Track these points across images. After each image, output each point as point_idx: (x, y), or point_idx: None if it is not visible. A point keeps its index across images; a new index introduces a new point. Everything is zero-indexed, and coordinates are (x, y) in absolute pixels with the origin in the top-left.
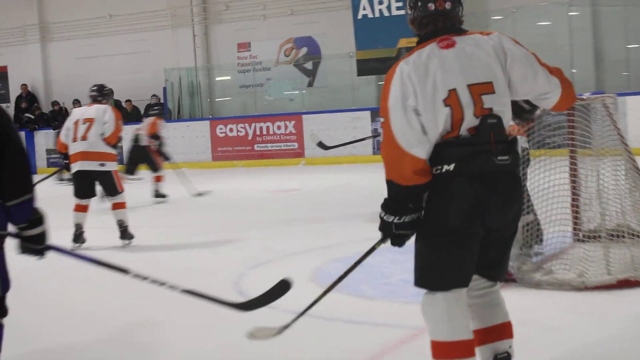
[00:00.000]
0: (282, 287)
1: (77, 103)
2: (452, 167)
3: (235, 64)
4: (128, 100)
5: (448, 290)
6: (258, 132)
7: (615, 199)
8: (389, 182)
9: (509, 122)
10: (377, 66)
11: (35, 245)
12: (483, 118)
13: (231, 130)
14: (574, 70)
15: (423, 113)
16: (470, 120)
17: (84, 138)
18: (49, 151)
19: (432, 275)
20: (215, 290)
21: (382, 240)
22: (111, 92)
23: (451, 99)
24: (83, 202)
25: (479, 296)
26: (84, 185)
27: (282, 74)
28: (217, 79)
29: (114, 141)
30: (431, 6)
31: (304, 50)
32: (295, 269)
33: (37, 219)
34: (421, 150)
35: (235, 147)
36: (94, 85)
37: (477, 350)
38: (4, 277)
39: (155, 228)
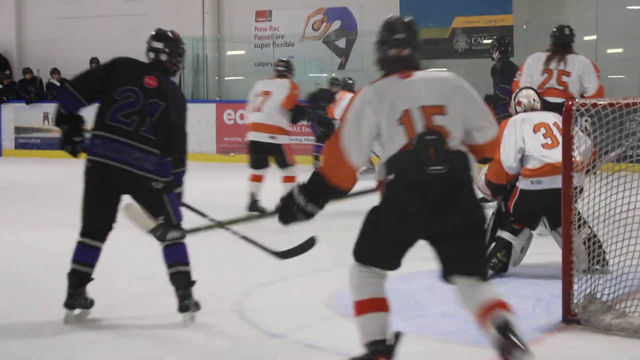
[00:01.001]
0: (310, 243)
1: (56, 73)
2: (392, 176)
3: (252, 37)
4: None
5: (366, 266)
6: None
7: None
8: (319, 173)
9: (456, 141)
10: (425, 48)
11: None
12: (420, 135)
13: (242, 117)
14: None
15: (383, 132)
16: (414, 136)
17: (259, 109)
18: (18, 129)
19: (358, 249)
20: (214, 312)
21: (274, 212)
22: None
23: (405, 118)
24: (257, 172)
25: (466, 293)
26: (257, 156)
27: (308, 51)
28: (229, 53)
29: (289, 105)
30: (392, 52)
31: (337, 24)
32: (309, 293)
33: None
34: (357, 159)
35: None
36: (281, 60)
37: (484, 333)
38: (177, 210)
39: None
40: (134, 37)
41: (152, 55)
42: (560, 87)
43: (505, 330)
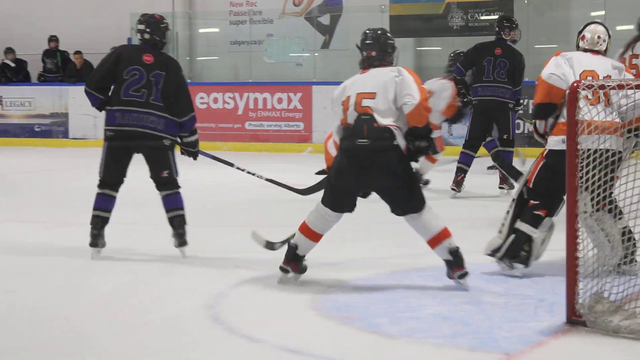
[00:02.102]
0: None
1: (10, 53)
2: (339, 143)
3: (227, 13)
4: (78, 53)
5: (324, 207)
6: (252, 106)
7: None
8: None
9: (387, 120)
10: (416, 25)
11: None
12: (359, 115)
13: (215, 100)
14: None
15: (336, 110)
16: (352, 115)
17: None
18: None
19: (323, 194)
20: (185, 315)
21: None
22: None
23: (345, 101)
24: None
25: (412, 226)
26: None
27: (288, 29)
28: (201, 30)
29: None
30: (364, 54)
31: None
32: (290, 294)
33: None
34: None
35: (219, 123)
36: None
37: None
38: (176, 166)
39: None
40: (96, 14)
41: (139, 36)
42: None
43: (448, 257)
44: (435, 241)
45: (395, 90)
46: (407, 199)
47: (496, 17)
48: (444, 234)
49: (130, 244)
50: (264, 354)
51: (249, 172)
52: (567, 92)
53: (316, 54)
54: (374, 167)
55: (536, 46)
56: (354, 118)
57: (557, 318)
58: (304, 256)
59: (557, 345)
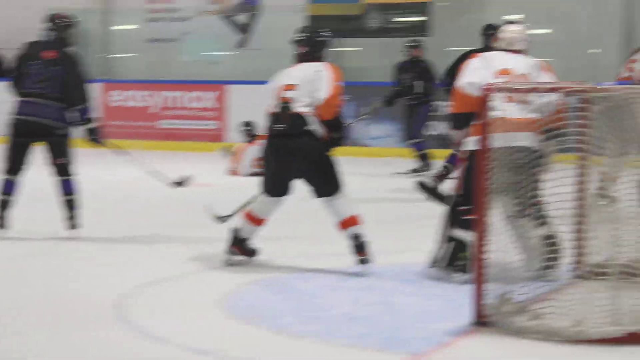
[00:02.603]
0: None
1: None
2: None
3: (144, 10)
4: None
5: (263, 191)
6: (167, 104)
7: (633, 223)
8: None
9: (304, 109)
10: (334, 26)
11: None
12: (280, 104)
13: (130, 98)
14: (597, 50)
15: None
16: (276, 104)
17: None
18: None
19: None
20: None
21: None
22: None
23: (274, 92)
24: None
25: (328, 209)
26: None
27: (205, 27)
28: (116, 27)
29: None
30: (296, 50)
31: None
32: (198, 293)
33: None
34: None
35: (134, 121)
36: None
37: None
38: (71, 154)
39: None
40: (15, 10)
41: (45, 34)
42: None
43: (353, 243)
44: (344, 224)
45: (314, 84)
46: (322, 182)
47: (414, 18)
48: (353, 220)
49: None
50: (169, 354)
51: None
52: (478, 96)
53: (233, 53)
54: (291, 151)
55: (452, 48)
56: (276, 107)
57: (464, 319)
58: (248, 239)
59: (464, 346)
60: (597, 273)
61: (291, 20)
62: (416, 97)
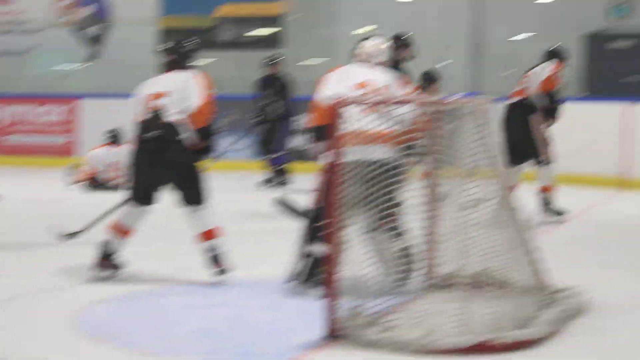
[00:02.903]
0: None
1: None
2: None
3: None
4: None
5: (131, 201)
6: (15, 119)
7: (481, 236)
8: None
9: (175, 117)
10: (187, 38)
11: None
12: (150, 112)
13: None
14: (444, 64)
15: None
16: (145, 112)
17: None
18: None
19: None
20: None
21: None
22: None
23: (141, 99)
24: None
25: (189, 218)
26: None
27: (55, 39)
28: None
29: None
30: (164, 58)
31: (90, 9)
32: (49, 310)
33: None
34: None
35: None
36: None
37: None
38: None
39: None
40: None
41: None
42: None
43: (213, 254)
44: (205, 236)
45: (185, 92)
46: (187, 191)
47: (266, 31)
48: (213, 233)
49: None
50: None
51: None
52: (332, 108)
53: (85, 66)
54: (160, 159)
55: (304, 62)
56: (146, 115)
57: (317, 332)
58: (116, 252)
59: (316, 359)
60: (447, 284)
61: (143, 33)
62: (276, 114)
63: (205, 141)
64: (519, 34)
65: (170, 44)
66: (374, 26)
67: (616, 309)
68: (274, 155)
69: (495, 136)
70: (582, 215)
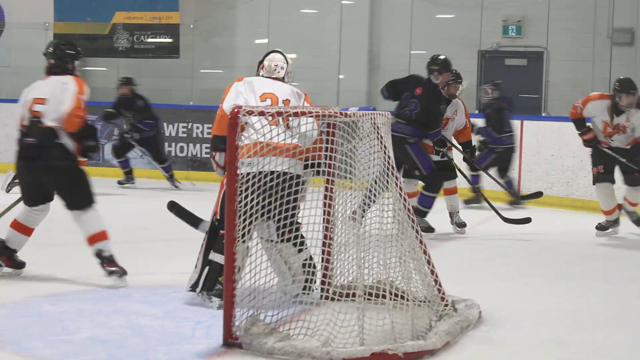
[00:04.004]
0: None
1: None
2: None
3: None
4: None
5: (24, 203)
6: None
7: (378, 247)
8: None
9: (54, 122)
10: (81, 45)
11: None
12: (30, 117)
13: None
14: (341, 76)
15: None
16: (26, 118)
17: None
18: None
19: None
20: None
21: None
22: None
23: (26, 105)
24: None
25: (77, 223)
26: None
27: None
28: None
29: None
30: (46, 62)
31: None
32: None
33: None
34: None
35: None
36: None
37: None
38: None
39: None
40: None
41: None
42: None
43: (102, 256)
44: (91, 240)
45: (60, 97)
46: (71, 195)
47: (162, 39)
48: (100, 236)
49: None
50: None
51: None
52: (228, 117)
53: None
54: (39, 165)
55: (202, 71)
56: (27, 120)
57: (214, 340)
58: (16, 251)
59: None
60: (345, 294)
61: (37, 38)
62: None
63: (85, 141)
64: (416, 48)
65: (50, 48)
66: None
67: (508, 321)
68: (123, 159)
69: (392, 149)
70: (476, 228)
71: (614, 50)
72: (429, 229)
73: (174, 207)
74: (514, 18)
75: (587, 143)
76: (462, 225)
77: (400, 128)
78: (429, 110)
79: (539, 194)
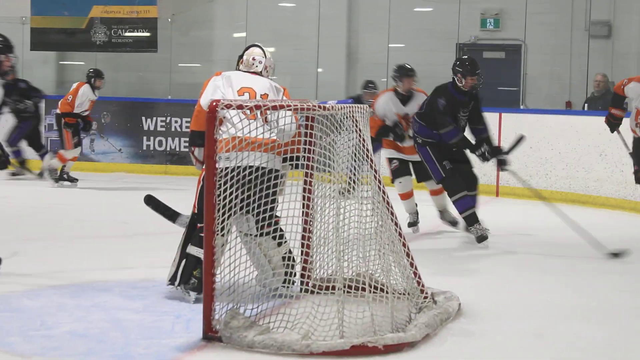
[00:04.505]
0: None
1: None
2: None
3: None
4: None
5: None
6: None
7: (357, 240)
8: None
9: None
10: (59, 39)
11: None
12: None
13: None
14: (320, 70)
15: None
16: None
17: None
18: None
19: None
20: None
21: None
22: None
23: None
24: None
25: None
26: None
27: None
28: None
29: None
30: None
31: None
32: None
33: None
34: None
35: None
36: None
37: None
38: None
39: None
40: None
41: None
42: None
43: None
44: None
45: None
46: None
47: (140, 33)
48: None
49: None
50: None
51: None
52: (207, 111)
53: None
54: None
55: (180, 65)
56: None
57: (194, 334)
58: None
59: None
60: (324, 287)
61: (14, 32)
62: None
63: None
64: (394, 42)
65: None
66: (253, 30)
67: (487, 314)
68: (14, 149)
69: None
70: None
71: (591, 43)
72: (482, 238)
73: (151, 201)
74: (491, 11)
75: (611, 118)
76: (454, 223)
77: (414, 127)
78: (430, 103)
79: (521, 138)
